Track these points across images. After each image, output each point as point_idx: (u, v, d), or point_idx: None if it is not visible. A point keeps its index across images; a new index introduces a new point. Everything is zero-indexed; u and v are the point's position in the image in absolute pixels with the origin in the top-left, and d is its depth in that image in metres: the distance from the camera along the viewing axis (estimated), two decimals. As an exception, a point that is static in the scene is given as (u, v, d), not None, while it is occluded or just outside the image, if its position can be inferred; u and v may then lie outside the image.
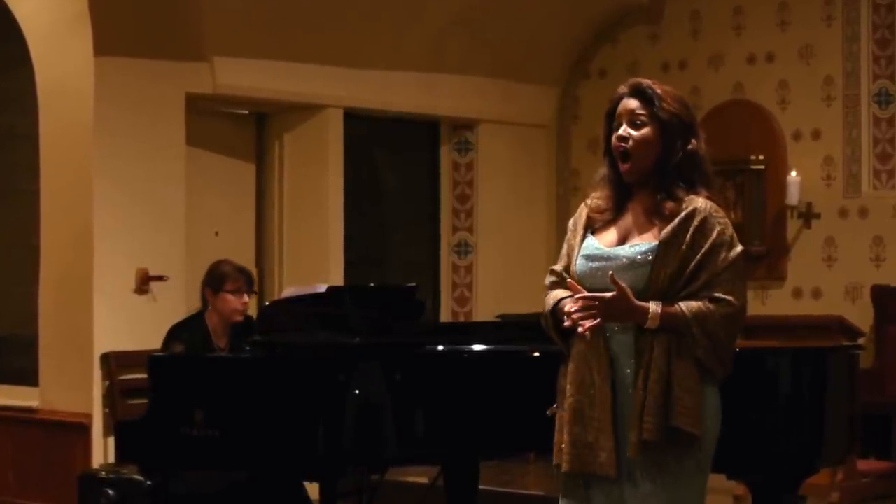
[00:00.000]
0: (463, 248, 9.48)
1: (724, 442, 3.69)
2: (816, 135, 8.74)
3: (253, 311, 7.18)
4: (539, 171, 9.71)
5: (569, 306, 3.61)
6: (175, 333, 6.26)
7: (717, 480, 4.20)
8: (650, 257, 3.59)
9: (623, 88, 3.73)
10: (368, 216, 9.10)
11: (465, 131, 9.50)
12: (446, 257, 9.48)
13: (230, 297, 6.24)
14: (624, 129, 3.66)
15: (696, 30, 9.27)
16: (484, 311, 9.22)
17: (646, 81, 3.71)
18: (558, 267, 3.79)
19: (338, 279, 8.41)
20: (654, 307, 3.54)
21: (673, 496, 3.57)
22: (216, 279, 6.29)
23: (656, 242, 3.59)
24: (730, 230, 3.61)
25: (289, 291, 6.27)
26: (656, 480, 3.56)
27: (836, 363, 4.89)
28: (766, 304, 8.72)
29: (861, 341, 7.84)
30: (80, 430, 7.46)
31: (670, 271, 3.57)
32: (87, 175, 7.50)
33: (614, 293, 3.53)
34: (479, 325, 8.19)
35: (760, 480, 4.67)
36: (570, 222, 3.81)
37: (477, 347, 5.23)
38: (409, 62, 8.87)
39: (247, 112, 8.75)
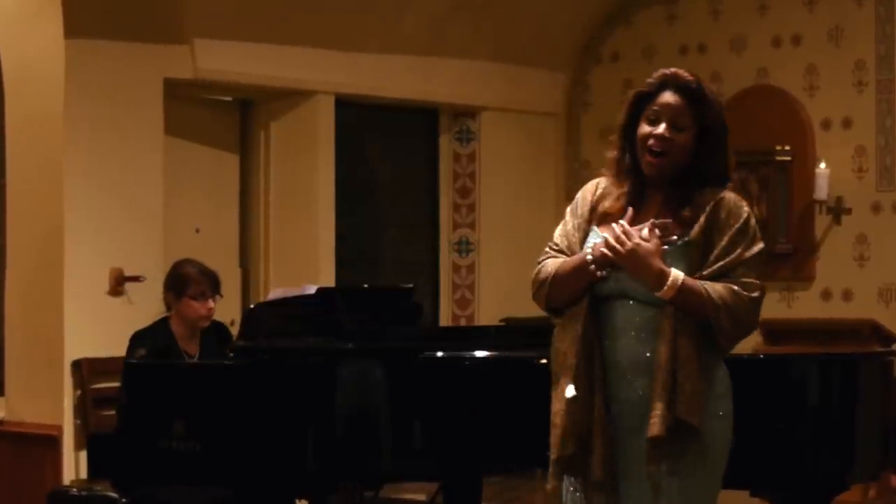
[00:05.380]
0: (464, 246, 9.48)
1: (748, 455, 3.69)
2: (847, 123, 8.74)
3: (237, 315, 7.19)
4: (547, 162, 9.71)
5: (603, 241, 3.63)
6: (138, 340, 6.16)
7: (740, 498, 4.20)
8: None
9: (665, 76, 3.68)
10: (362, 211, 9.09)
11: (467, 119, 9.50)
12: (446, 256, 9.48)
13: (194, 302, 6.11)
14: (666, 130, 3.63)
15: (717, 10, 9.27)
16: (487, 314, 9.22)
17: (691, 78, 3.68)
18: (562, 243, 3.82)
19: (329, 280, 8.41)
20: (675, 274, 3.51)
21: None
22: (178, 282, 6.16)
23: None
24: (753, 221, 3.64)
25: (276, 293, 6.29)
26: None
27: (869, 371, 4.89)
28: (793, 306, 8.72)
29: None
30: (49, 443, 7.45)
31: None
32: (56, 167, 7.50)
33: (649, 241, 3.51)
34: (481, 329, 8.20)
35: (786, 497, 4.68)
36: (570, 208, 3.82)
37: (479, 353, 5.24)
38: (407, 45, 8.87)
39: (230, 99, 8.75)
